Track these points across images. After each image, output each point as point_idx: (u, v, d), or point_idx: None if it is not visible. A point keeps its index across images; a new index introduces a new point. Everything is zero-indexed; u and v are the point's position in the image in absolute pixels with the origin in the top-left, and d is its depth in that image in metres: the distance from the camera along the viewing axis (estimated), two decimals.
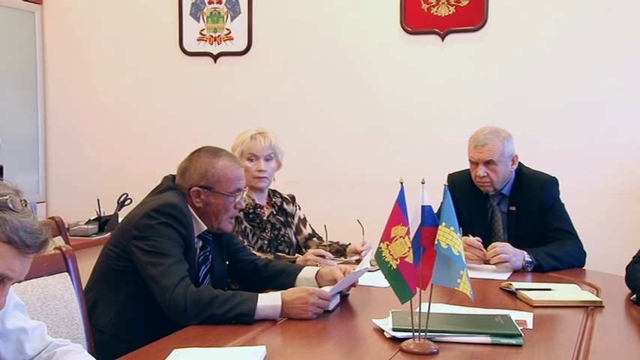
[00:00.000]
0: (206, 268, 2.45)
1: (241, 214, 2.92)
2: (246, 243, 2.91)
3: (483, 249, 2.82)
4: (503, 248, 2.77)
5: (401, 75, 4.26)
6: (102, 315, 2.28)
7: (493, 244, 2.82)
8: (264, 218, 3.04)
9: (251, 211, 3.00)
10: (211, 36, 4.60)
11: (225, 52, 4.58)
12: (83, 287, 2.18)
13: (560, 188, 3.10)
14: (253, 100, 4.52)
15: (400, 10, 4.20)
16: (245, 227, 2.97)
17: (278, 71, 4.49)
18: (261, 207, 3.05)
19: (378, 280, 2.41)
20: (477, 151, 3.01)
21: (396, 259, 1.78)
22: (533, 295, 2.28)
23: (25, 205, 1.39)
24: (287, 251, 3.05)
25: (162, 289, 2.11)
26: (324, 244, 3.11)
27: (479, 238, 2.86)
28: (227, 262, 2.56)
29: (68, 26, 4.95)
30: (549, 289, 2.40)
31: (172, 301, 2.08)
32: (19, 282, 1.78)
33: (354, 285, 2.38)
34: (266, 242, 2.99)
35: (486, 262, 2.80)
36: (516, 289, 2.39)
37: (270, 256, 2.87)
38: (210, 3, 4.59)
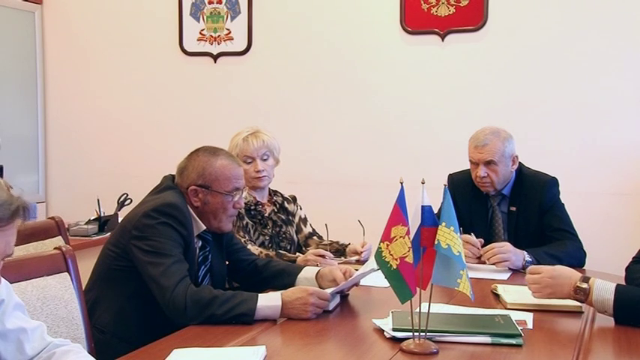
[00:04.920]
0: (205, 267, 2.46)
1: (243, 211, 2.93)
2: (247, 238, 2.92)
3: (475, 250, 2.83)
4: (501, 248, 2.77)
5: (401, 75, 4.26)
6: (102, 315, 2.28)
7: (491, 244, 2.82)
8: (266, 215, 3.05)
9: (252, 207, 3.01)
10: (211, 36, 4.60)
11: (225, 52, 4.59)
12: (83, 287, 2.18)
13: (560, 188, 3.10)
14: (253, 100, 4.52)
15: (400, 10, 4.20)
16: (247, 223, 2.97)
17: (278, 71, 4.50)
18: (262, 205, 3.06)
19: (378, 280, 2.41)
20: (478, 151, 3.01)
21: (396, 259, 1.78)
22: (508, 298, 2.28)
23: None
24: (288, 248, 3.06)
25: (162, 289, 2.11)
26: (324, 243, 3.11)
27: (481, 240, 2.87)
28: (227, 262, 2.56)
29: (68, 26, 4.95)
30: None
31: (172, 301, 2.08)
32: (19, 279, 1.78)
33: (355, 284, 2.38)
34: (267, 238, 3.00)
35: (481, 261, 2.81)
36: (494, 292, 2.38)
37: (271, 252, 2.88)
38: (210, 3, 4.59)
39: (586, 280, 2.12)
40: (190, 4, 4.62)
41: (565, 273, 2.17)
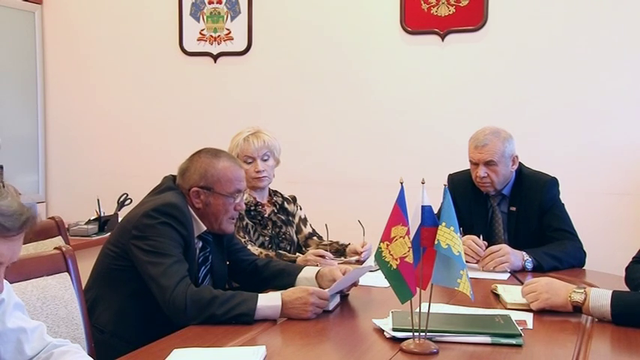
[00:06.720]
0: (206, 268, 2.46)
1: (242, 211, 2.93)
2: (247, 239, 2.92)
3: (481, 252, 2.82)
4: (498, 252, 2.77)
5: (401, 75, 4.26)
6: (101, 314, 2.28)
7: (489, 248, 2.81)
8: (266, 215, 3.05)
9: (252, 208, 3.01)
10: (211, 36, 4.60)
11: (225, 52, 4.58)
12: (83, 287, 2.18)
13: (560, 188, 3.10)
14: (253, 100, 4.52)
15: (400, 10, 4.20)
16: (247, 224, 2.97)
17: (278, 71, 4.50)
18: (262, 205, 3.06)
19: (378, 280, 2.41)
20: (478, 151, 3.01)
21: (396, 259, 1.78)
22: (508, 298, 2.28)
23: (3, 186, 1.38)
24: (288, 249, 3.06)
25: (162, 289, 2.11)
26: (323, 243, 3.11)
27: (485, 243, 2.87)
28: (227, 262, 2.57)
29: (68, 26, 4.95)
30: None
31: (172, 301, 2.08)
32: (19, 279, 1.78)
33: (355, 284, 2.38)
34: (267, 239, 3.00)
35: (478, 261, 2.81)
36: (494, 292, 2.38)
37: (271, 253, 2.88)
38: (210, 3, 4.59)
39: (581, 288, 2.13)
40: (190, 4, 4.62)
41: (560, 282, 2.21)
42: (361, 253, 2.98)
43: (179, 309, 2.06)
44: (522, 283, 2.36)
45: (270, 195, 3.14)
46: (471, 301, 1.87)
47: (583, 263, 2.95)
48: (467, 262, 2.65)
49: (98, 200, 3.94)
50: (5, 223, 1.34)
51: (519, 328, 1.94)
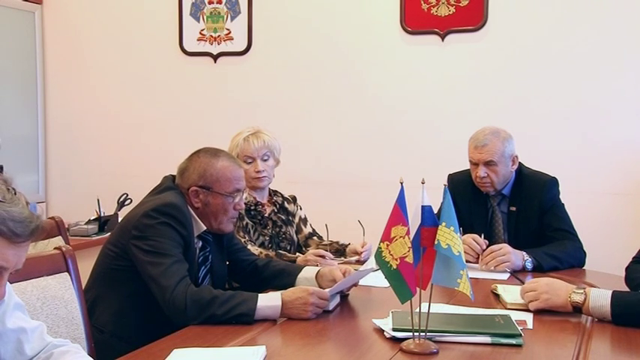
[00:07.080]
0: (206, 268, 2.46)
1: (243, 211, 2.93)
2: (247, 238, 2.92)
3: (480, 250, 2.82)
4: (499, 251, 2.77)
5: (401, 75, 4.26)
6: (101, 314, 2.28)
7: (490, 247, 2.81)
8: (266, 215, 3.05)
9: (252, 208, 3.01)
10: (211, 36, 4.60)
11: (225, 52, 4.59)
12: (83, 287, 2.18)
13: (560, 188, 3.10)
14: (253, 100, 4.52)
15: (400, 10, 4.20)
16: (247, 223, 2.97)
17: (278, 71, 4.50)
18: (262, 205, 3.06)
19: (378, 280, 2.41)
20: (478, 151, 3.01)
21: (396, 259, 1.78)
22: (508, 298, 2.27)
23: (15, 193, 1.39)
24: (288, 248, 3.06)
25: (162, 289, 2.11)
26: (324, 243, 3.11)
27: (486, 241, 2.86)
28: (227, 262, 2.57)
29: (68, 26, 4.95)
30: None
31: (172, 301, 2.08)
32: (19, 279, 1.78)
33: (355, 284, 2.38)
34: (267, 239, 3.00)
35: (478, 261, 2.80)
36: (494, 292, 2.38)
37: (271, 253, 2.88)
38: (210, 3, 4.59)
39: (581, 288, 2.13)
40: (190, 4, 4.62)
41: (560, 282, 2.21)
42: (361, 253, 2.98)
43: (179, 309, 2.06)
44: (523, 283, 2.36)
45: (270, 195, 3.14)
46: (471, 301, 1.87)
47: (583, 263, 2.95)
48: (467, 261, 2.66)
49: (98, 200, 3.94)
50: (16, 229, 1.35)
51: (519, 328, 1.94)
